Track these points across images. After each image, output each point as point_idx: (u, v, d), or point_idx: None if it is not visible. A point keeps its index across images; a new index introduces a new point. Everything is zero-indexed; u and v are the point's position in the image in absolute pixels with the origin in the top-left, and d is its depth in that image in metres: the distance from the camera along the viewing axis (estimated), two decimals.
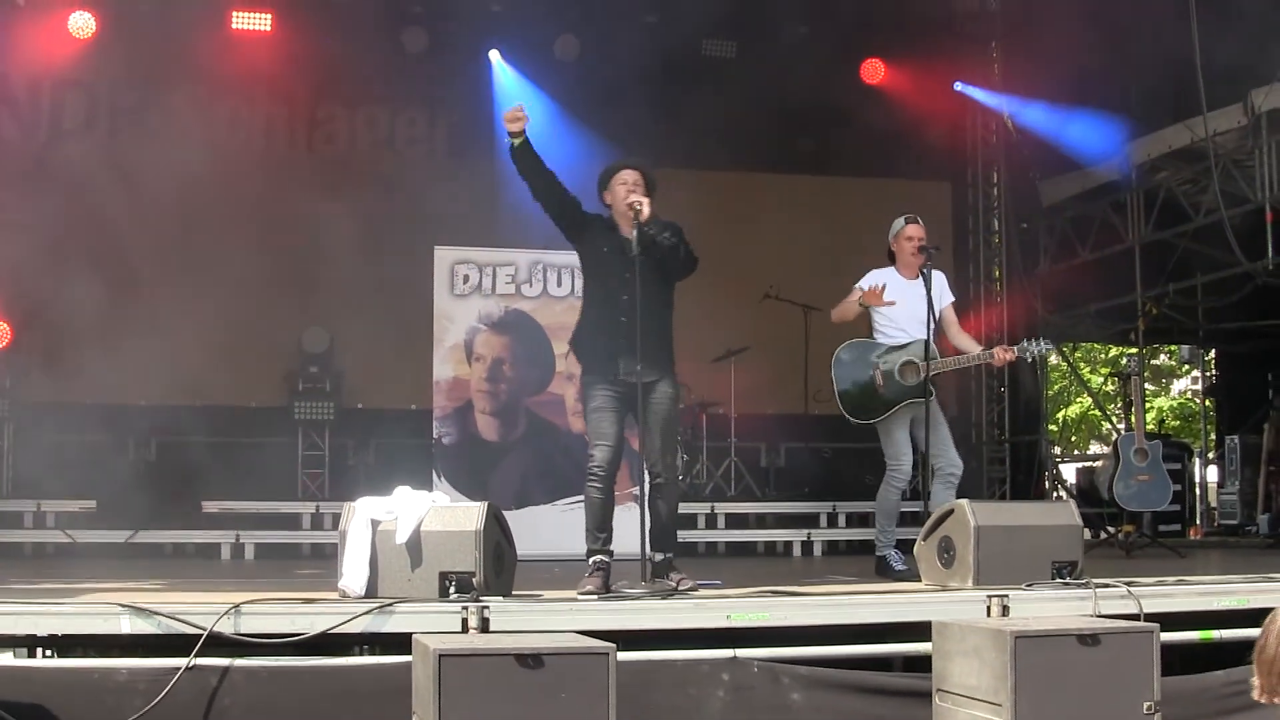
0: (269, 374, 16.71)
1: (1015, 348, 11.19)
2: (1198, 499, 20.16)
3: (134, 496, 14.26)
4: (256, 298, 15.80)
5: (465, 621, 7.68)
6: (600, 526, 9.24)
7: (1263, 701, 4.47)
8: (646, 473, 9.44)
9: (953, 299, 11.37)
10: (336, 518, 11.69)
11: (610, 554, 9.13)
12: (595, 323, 9.54)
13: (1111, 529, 16.22)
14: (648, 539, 9.04)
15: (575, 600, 8.37)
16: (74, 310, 14.38)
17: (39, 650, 7.73)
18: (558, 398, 14.16)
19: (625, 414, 9.31)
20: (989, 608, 8.46)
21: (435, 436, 14.04)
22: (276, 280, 15.71)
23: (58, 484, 14.42)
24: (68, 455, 14.37)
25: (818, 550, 15.25)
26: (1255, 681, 4.54)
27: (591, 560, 9.09)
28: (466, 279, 14.11)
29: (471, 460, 13.81)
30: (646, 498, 9.25)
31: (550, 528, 12.46)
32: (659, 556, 9.23)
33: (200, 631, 7.56)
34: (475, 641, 7.12)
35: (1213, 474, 21.00)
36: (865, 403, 11.06)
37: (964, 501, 9.26)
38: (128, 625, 7.70)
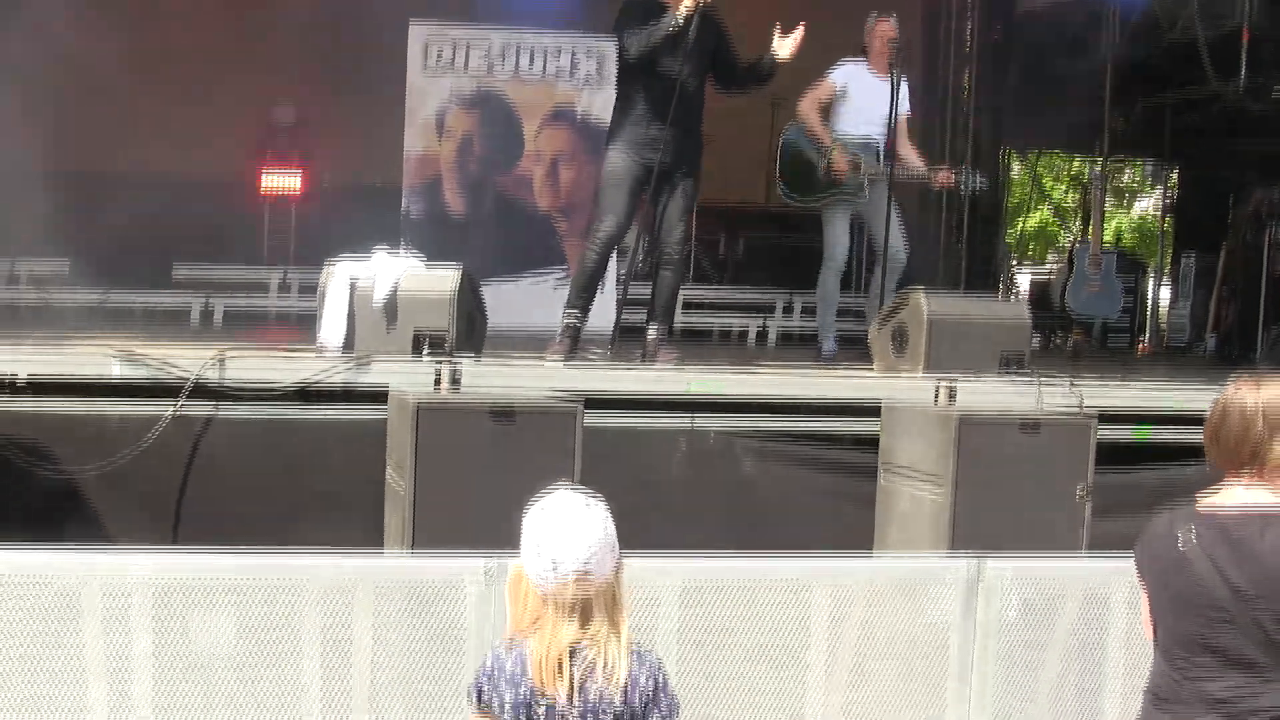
0: (237, 147, 16.71)
1: (955, 174, 11.45)
2: (1148, 317, 20.31)
3: (105, 259, 14.38)
4: (225, 70, 15.73)
5: (438, 378, 8.00)
6: (585, 288, 9.61)
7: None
8: (659, 250, 9.79)
9: (909, 113, 11.53)
10: (304, 286, 11.98)
11: (583, 319, 9.46)
12: (635, 103, 9.71)
13: (1061, 335, 16.58)
14: (656, 310, 9.47)
15: (543, 362, 8.73)
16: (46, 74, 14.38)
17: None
18: (526, 177, 14.29)
19: (640, 195, 9.61)
20: (937, 393, 8.81)
21: (404, 210, 14.14)
22: (246, 55, 15.64)
23: (29, 245, 14.50)
24: (38, 215, 14.44)
25: (772, 338, 15.51)
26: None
27: (565, 321, 9.43)
28: (440, 55, 14.12)
29: (439, 234, 13.89)
30: (652, 270, 9.62)
31: (516, 303, 12.68)
32: (654, 330, 9.59)
33: (186, 377, 7.88)
34: (451, 396, 7.48)
35: (1165, 295, 21.14)
36: (802, 184, 11.35)
37: (919, 291, 9.56)
38: (118, 370, 7.99)
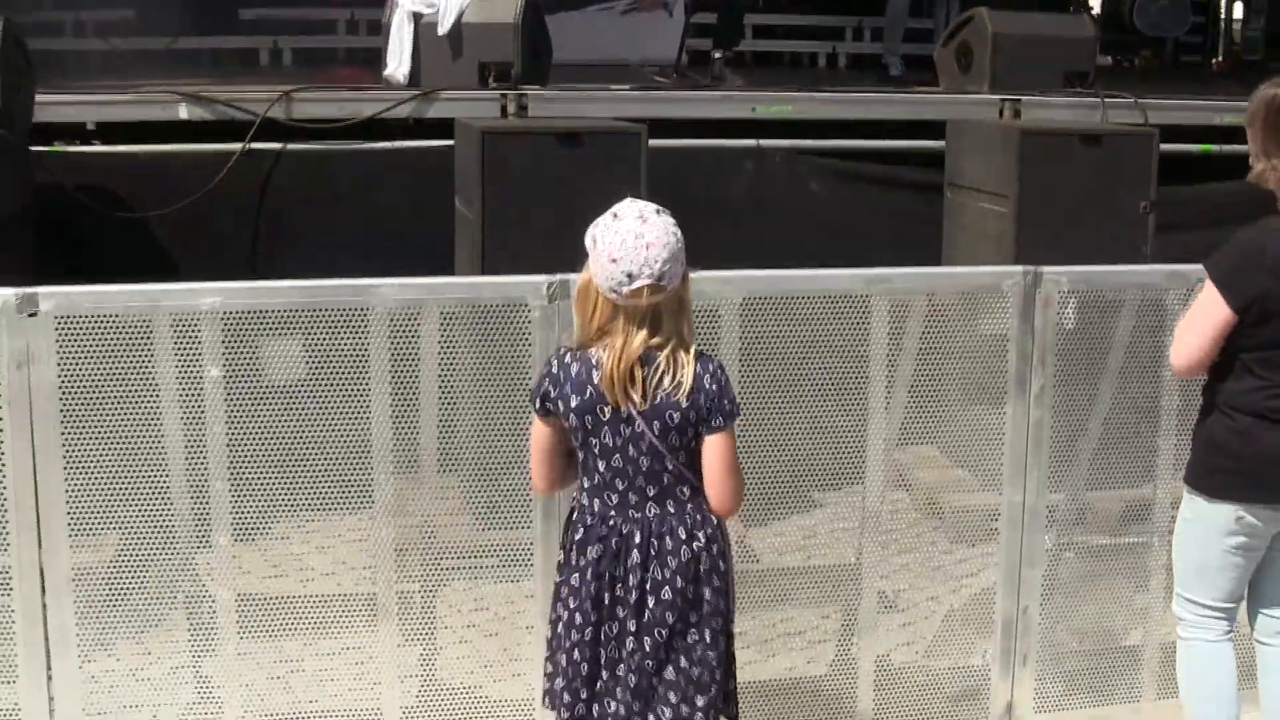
0: None
1: None
2: (1221, 33, 19.91)
3: (172, 4, 14.33)
4: None
5: (504, 108, 8.04)
6: None
7: (1258, 182, 4.62)
8: None
9: None
10: (371, 24, 11.95)
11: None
12: None
13: (1133, 55, 16.34)
14: (721, 34, 9.45)
15: (609, 89, 8.75)
16: None
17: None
18: None
19: None
20: (1001, 110, 8.78)
21: None
22: None
23: None
24: None
25: (842, 63, 15.37)
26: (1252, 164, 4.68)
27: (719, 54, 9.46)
28: None
29: None
30: None
31: (581, 34, 12.59)
32: (719, 54, 9.59)
33: (254, 117, 7.96)
34: (516, 122, 7.54)
35: (1238, 11, 20.67)
36: None
37: (983, 9, 9.47)
38: (185, 112, 8.10)
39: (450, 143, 7.68)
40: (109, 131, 8.11)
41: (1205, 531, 4.63)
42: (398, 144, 8.24)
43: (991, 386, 5.32)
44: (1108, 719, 5.56)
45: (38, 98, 7.66)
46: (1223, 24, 19.54)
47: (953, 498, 5.92)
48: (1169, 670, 5.08)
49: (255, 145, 7.97)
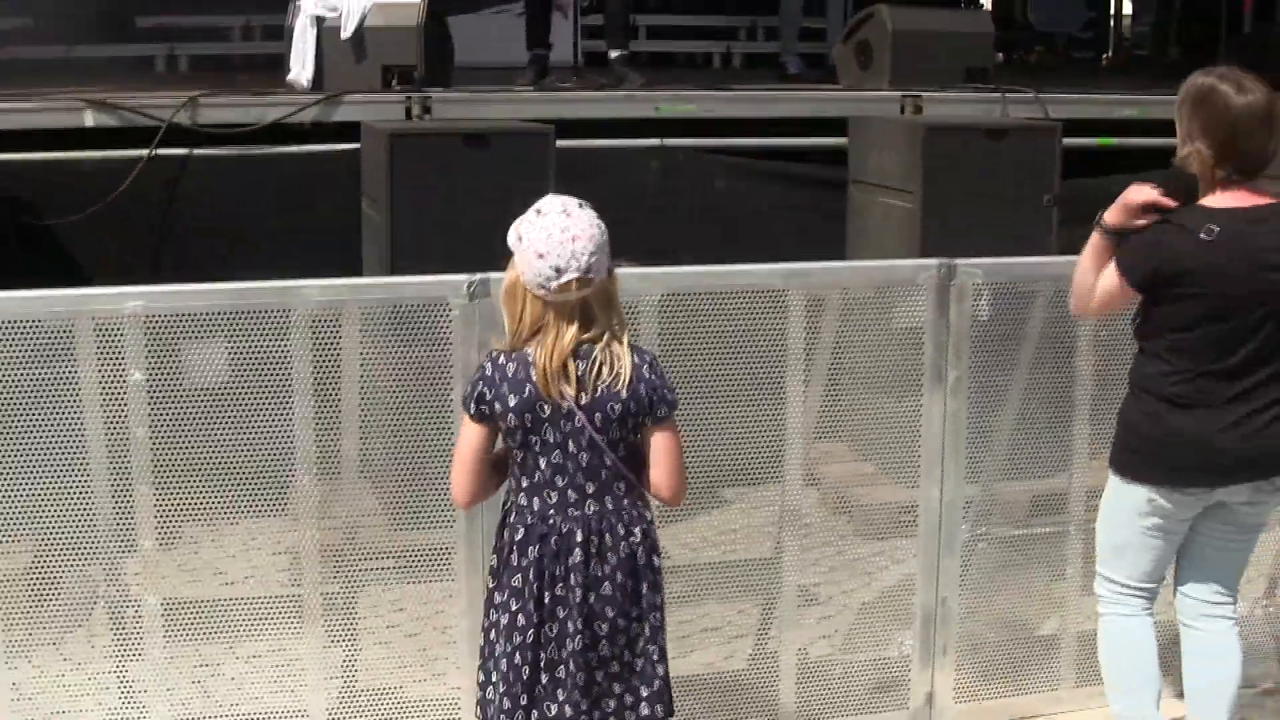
0: None
1: None
2: (1112, 29, 20.17)
3: (68, 12, 14.20)
4: None
5: (409, 110, 8.07)
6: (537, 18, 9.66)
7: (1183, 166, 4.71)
8: None
9: None
10: (268, 29, 11.90)
11: (549, 47, 9.48)
12: None
13: (1025, 51, 16.53)
14: (613, 33, 9.49)
15: (513, 90, 8.77)
16: None
17: None
18: None
19: None
20: (903, 106, 8.88)
21: None
22: None
23: None
24: None
25: (737, 63, 15.45)
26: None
27: (531, 52, 9.44)
28: None
29: None
30: None
31: (480, 36, 12.58)
32: (615, 54, 9.60)
33: (160, 123, 7.91)
34: (423, 124, 7.54)
35: (1128, 7, 20.93)
36: None
37: (882, 6, 9.56)
38: (90, 119, 8.03)
39: (356, 146, 7.68)
40: (10, 139, 8.02)
41: (1121, 511, 4.73)
42: (304, 148, 8.23)
43: (907, 379, 5.38)
44: (1026, 708, 5.64)
45: None
46: (1112, 20, 19.79)
47: (862, 492, 6.00)
48: (1088, 658, 5.16)
49: (161, 151, 7.92)
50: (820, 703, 5.44)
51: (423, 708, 5.19)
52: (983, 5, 20.49)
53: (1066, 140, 8.08)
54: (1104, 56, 18.46)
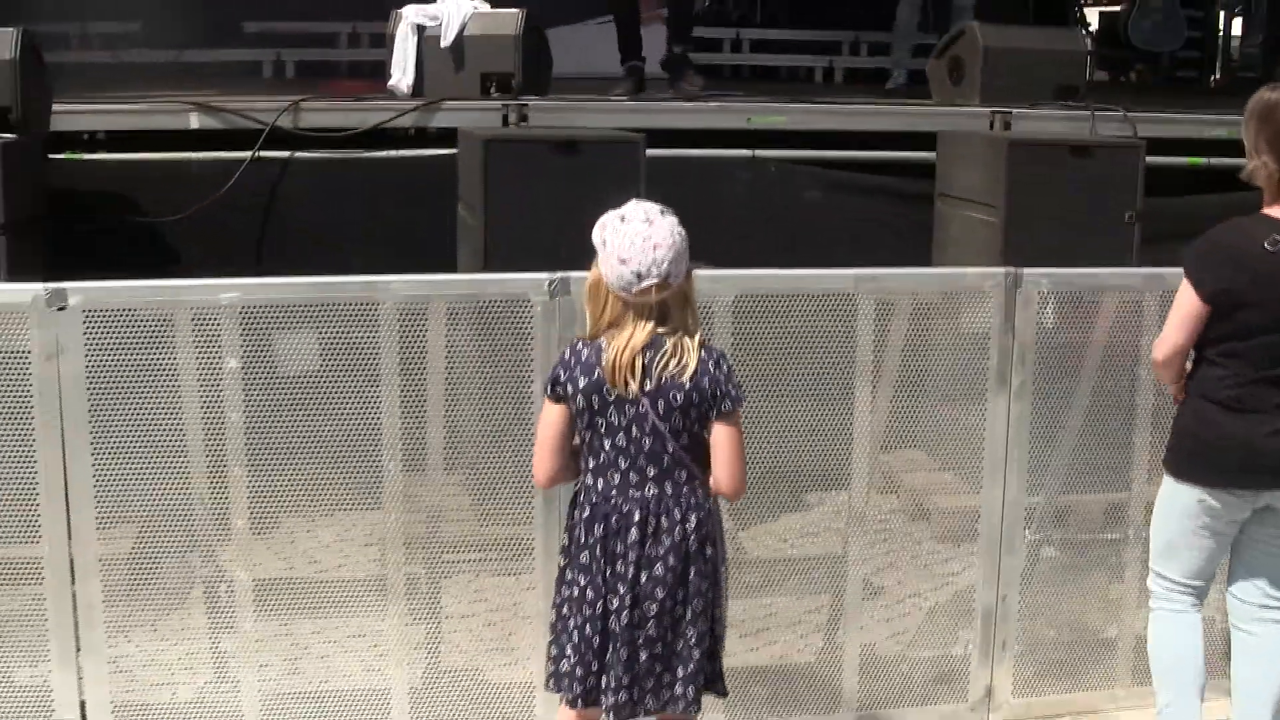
0: None
1: None
2: (1219, 49, 19.93)
3: (176, 18, 14.43)
4: None
5: (506, 118, 8.26)
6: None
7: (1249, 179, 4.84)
8: None
9: None
10: (373, 37, 12.12)
11: (643, 59, 9.67)
12: None
13: (1130, 70, 16.46)
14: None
15: (608, 100, 8.95)
16: None
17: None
18: None
19: None
20: (991, 122, 8.97)
21: None
22: None
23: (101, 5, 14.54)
24: None
25: (839, 78, 15.55)
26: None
27: (625, 65, 9.65)
28: None
29: None
30: None
31: (579, 47, 12.73)
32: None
33: (263, 126, 8.15)
34: (517, 130, 7.74)
35: (1237, 27, 20.67)
36: None
37: (974, 23, 9.66)
38: (195, 121, 8.28)
39: (453, 151, 7.87)
40: (119, 140, 8.29)
41: (1174, 511, 4.88)
42: (402, 152, 8.43)
43: (973, 384, 5.52)
44: (1083, 704, 5.77)
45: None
46: (1220, 40, 19.56)
47: (939, 500, 6.14)
48: (1144, 659, 5.27)
49: (264, 153, 8.15)
50: (883, 693, 5.62)
51: (500, 691, 5.40)
52: (1088, 24, 20.46)
53: (1153, 159, 8.10)
54: (1211, 78, 18.29)
